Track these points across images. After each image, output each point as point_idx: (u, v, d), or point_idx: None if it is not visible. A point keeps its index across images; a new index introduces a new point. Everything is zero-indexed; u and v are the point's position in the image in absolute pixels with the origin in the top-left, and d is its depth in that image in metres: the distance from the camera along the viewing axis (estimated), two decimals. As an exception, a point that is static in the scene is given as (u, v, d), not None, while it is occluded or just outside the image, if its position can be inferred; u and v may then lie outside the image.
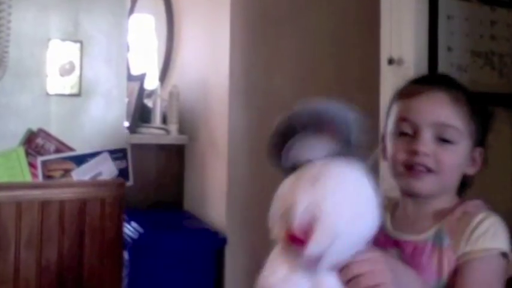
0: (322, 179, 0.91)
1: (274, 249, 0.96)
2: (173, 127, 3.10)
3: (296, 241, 0.90)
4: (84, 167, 2.42)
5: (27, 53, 2.35)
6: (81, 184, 2.39)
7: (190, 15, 3.32)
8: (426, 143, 1.11)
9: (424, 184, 1.11)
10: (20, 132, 2.33)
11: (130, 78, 2.92)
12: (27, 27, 2.35)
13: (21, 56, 2.33)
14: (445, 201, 1.15)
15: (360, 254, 0.92)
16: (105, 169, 2.46)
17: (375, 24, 2.00)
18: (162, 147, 3.11)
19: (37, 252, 2.27)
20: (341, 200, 0.90)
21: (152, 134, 3.07)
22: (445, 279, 1.07)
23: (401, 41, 1.91)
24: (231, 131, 2.78)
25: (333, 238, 0.89)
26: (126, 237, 2.55)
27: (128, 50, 2.82)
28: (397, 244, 1.13)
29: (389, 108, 1.20)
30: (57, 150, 2.38)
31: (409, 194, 1.15)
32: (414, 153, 1.11)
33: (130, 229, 2.64)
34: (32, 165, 2.33)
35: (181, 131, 3.14)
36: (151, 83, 3.36)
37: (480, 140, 1.16)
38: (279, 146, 0.96)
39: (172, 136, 3.11)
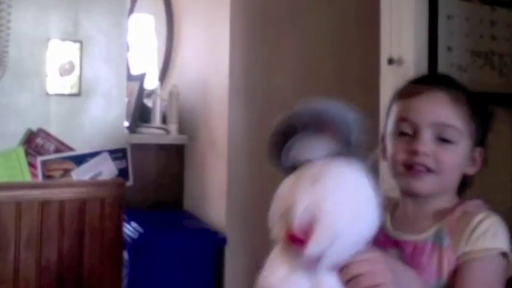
0: (322, 179, 0.91)
1: (274, 249, 0.96)
2: (173, 127, 3.10)
3: (296, 241, 0.89)
4: (84, 166, 2.41)
5: (26, 53, 2.35)
6: (81, 184, 2.39)
7: (190, 15, 3.31)
8: (426, 143, 1.11)
9: (424, 184, 1.11)
10: (20, 132, 2.33)
11: (130, 78, 2.92)
12: (27, 27, 2.35)
13: (20, 55, 2.33)
14: (445, 201, 1.15)
15: (360, 254, 0.92)
16: (105, 169, 2.45)
17: (375, 24, 2.00)
18: (161, 147, 3.11)
19: (37, 252, 2.27)
20: (341, 200, 0.90)
21: (152, 133, 3.07)
22: (445, 279, 1.07)
23: (401, 40, 1.91)
24: (230, 131, 2.78)
25: (332, 238, 0.89)
26: (125, 237, 2.55)
27: (128, 49, 2.82)
28: (397, 244, 1.13)
29: (389, 108, 1.20)
30: (57, 150, 2.38)
31: (409, 193, 1.15)
32: (414, 153, 1.11)
33: (130, 229, 2.64)
34: (31, 165, 2.33)
35: (181, 130, 3.14)
36: (151, 82, 3.35)
37: (480, 139, 1.16)
38: (279, 145, 0.96)
39: (172, 136, 3.10)
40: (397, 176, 1.14)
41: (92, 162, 2.43)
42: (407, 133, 1.13)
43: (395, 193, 1.18)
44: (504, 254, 1.07)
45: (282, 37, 2.84)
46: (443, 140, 1.11)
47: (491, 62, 2.07)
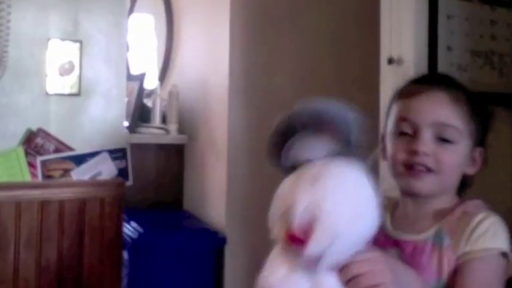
0: (322, 179, 0.91)
1: (274, 249, 0.96)
2: (173, 127, 3.09)
3: (296, 241, 0.89)
4: (84, 166, 2.41)
5: (26, 53, 2.35)
6: (80, 184, 2.39)
7: (189, 14, 3.31)
8: (426, 143, 1.10)
9: (424, 184, 1.11)
10: (20, 132, 2.33)
11: (129, 77, 2.92)
12: (27, 27, 2.35)
13: (20, 55, 2.33)
14: (445, 201, 1.15)
15: (360, 254, 0.92)
16: (105, 169, 2.45)
17: (375, 24, 2.00)
18: (161, 147, 3.11)
19: (36, 252, 2.27)
20: (341, 200, 0.90)
21: (152, 133, 3.07)
22: (445, 279, 1.07)
23: (401, 40, 1.91)
24: (230, 131, 2.78)
25: (332, 238, 0.88)
26: (125, 237, 2.54)
27: (128, 49, 2.82)
28: (396, 244, 1.13)
29: (389, 108, 1.20)
30: (57, 150, 2.38)
31: (409, 193, 1.15)
32: (414, 153, 1.11)
33: (129, 229, 2.64)
34: (31, 165, 2.33)
35: (180, 130, 3.14)
36: (151, 82, 3.35)
37: (480, 139, 1.16)
38: (278, 145, 0.96)
39: (172, 136, 3.10)
40: (397, 176, 1.14)
41: (91, 162, 2.43)
42: (407, 133, 1.13)
43: (395, 193, 1.18)
44: (504, 254, 1.07)
45: (281, 37, 2.84)
46: (443, 140, 1.11)
47: (491, 62, 2.07)
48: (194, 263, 2.67)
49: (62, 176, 2.38)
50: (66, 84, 2.42)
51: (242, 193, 2.78)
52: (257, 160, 2.65)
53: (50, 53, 2.38)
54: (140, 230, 2.63)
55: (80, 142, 2.43)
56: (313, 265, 0.90)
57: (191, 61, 3.26)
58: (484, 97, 1.39)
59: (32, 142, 2.34)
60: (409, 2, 1.90)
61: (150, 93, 3.23)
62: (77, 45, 2.43)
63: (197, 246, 2.71)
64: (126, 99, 2.72)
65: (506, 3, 2.11)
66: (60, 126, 2.40)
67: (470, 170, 1.17)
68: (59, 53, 2.40)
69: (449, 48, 1.97)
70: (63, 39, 2.41)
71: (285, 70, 2.83)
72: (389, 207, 1.18)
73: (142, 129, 3.07)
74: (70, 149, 2.40)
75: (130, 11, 3.48)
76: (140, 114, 3.11)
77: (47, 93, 2.38)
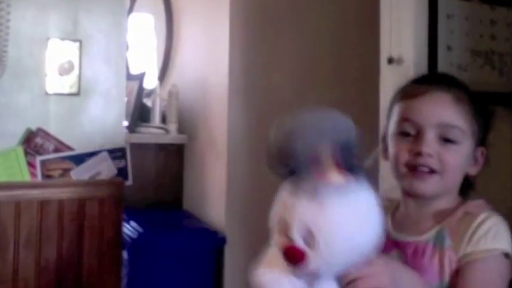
0: (323, 194, 0.89)
1: (271, 246, 0.95)
2: (172, 126, 3.09)
3: (294, 255, 0.89)
4: (83, 166, 2.41)
5: (26, 52, 2.35)
6: (80, 183, 2.39)
7: (189, 14, 3.31)
8: (430, 144, 1.10)
9: (428, 185, 1.11)
10: (19, 132, 2.33)
11: (129, 77, 2.92)
12: (26, 26, 2.34)
13: (20, 55, 2.33)
14: (447, 201, 1.14)
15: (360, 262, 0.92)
16: (104, 168, 2.45)
17: (375, 23, 2.00)
18: (161, 147, 3.10)
19: (36, 252, 2.27)
20: (341, 217, 0.89)
21: (151, 133, 3.07)
22: (447, 281, 1.06)
23: (401, 40, 1.91)
24: (230, 130, 2.78)
25: (331, 255, 0.88)
26: (125, 236, 2.54)
27: (127, 49, 2.81)
28: (397, 245, 1.12)
29: (391, 108, 1.19)
30: (56, 150, 2.37)
31: (411, 194, 1.14)
32: (417, 154, 1.10)
33: (129, 228, 2.64)
34: (31, 165, 2.32)
35: (180, 130, 3.13)
36: (151, 82, 3.35)
37: (481, 139, 1.16)
38: (277, 157, 0.94)
39: (172, 135, 3.10)
40: (400, 176, 1.13)
41: (91, 161, 2.42)
42: (410, 133, 1.12)
43: (396, 193, 1.18)
44: (506, 255, 1.06)
45: (281, 36, 2.83)
46: (446, 141, 1.11)
47: (491, 62, 2.07)
48: (194, 263, 2.67)
49: (62, 175, 2.38)
50: (66, 84, 2.42)
51: (242, 193, 2.78)
52: (257, 160, 2.65)
53: (50, 52, 2.38)
54: (140, 229, 2.63)
55: (80, 142, 2.42)
56: (311, 276, 0.90)
57: (191, 61, 3.26)
58: (484, 97, 1.39)
59: (32, 142, 2.34)
60: (409, 1, 1.90)
61: (150, 93, 3.23)
62: (77, 44, 2.43)
63: (197, 246, 2.71)
64: (125, 99, 2.71)
65: (506, 3, 2.11)
66: (60, 125, 2.40)
67: (473, 170, 1.16)
68: (59, 52, 2.40)
69: (449, 48, 1.96)
70: (62, 39, 2.41)
71: (284, 70, 2.83)
72: (391, 208, 1.18)
73: (142, 129, 3.06)
74: (69, 148, 2.40)
75: (130, 10, 3.48)
76: (140, 114, 3.11)
77: (46, 93, 2.38)
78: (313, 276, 0.90)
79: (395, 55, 1.90)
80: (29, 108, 2.35)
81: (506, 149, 2.10)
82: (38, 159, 2.33)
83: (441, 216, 1.12)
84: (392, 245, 1.12)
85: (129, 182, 2.51)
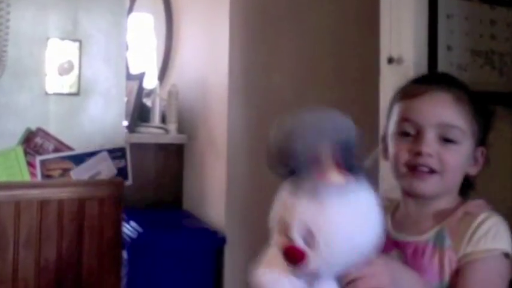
0: (323, 194, 0.89)
1: (271, 246, 0.95)
2: (172, 126, 3.09)
3: (294, 255, 0.89)
4: (83, 166, 2.41)
5: (26, 52, 2.34)
6: (79, 183, 2.39)
7: (189, 14, 3.31)
8: (430, 144, 1.10)
9: (428, 185, 1.11)
10: (19, 132, 2.33)
11: (129, 77, 2.91)
12: (26, 26, 2.34)
13: (20, 55, 2.33)
14: (447, 201, 1.14)
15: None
16: (104, 168, 2.45)
17: (375, 23, 2.00)
18: (161, 147, 3.10)
19: (36, 252, 2.27)
20: (341, 217, 0.89)
21: (151, 133, 3.07)
22: (447, 281, 1.06)
23: (401, 39, 1.90)
24: (230, 130, 2.77)
25: (331, 255, 0.88)
26: (125, 236, 2.54)
27: (127, 49, 2.81)
28: (397, 245, 1.12)
29: (391, 108, 1.19)
30: (56, 150, 2.37)
31: (411, 194, 1.14)
32: (417, 154, 1.10)
33: (129, 228, 2.64)
34: (30, 165, 2.32)
35: (180, 130, 3.13)
36: (150, 82, 3.35)
37: (481, 139, 1.16)
38: (277, 157, 0.93)
39: (172, 135, 3.10)
40: (400, 176, 1.13)
41: (91, 161, 2.42)
42: (410, 133, 1.12)
43: (396, 193, 1.18)
44: (506, 255, 1.06)
45: (281, 36, 2.83)
46: (446, 141, 1.11)
47: (491, 62, 2.07)
48: (193, 263, 2.67)
49: (61, 175, 2.38)
50: (66, 84, 2.42)
51: (242, 192, 2.78)
52: (257, 159, 2.65)
53: (49, 52, 2.38)
54: (139, 229, 2.62)
55: (79, 142, 2.42)
56: (310, 275, 0.90)
57: (191, 60, 3.25)
58: (484, 97, 1.39)
59: (31, 142, 2.34)
60: (409, 1, 1.90)
61: (150, 93, 3.23)
62: (76, 44, 2.43)
63: (196, 245, 2.71)
64: (125, 99, 2.71)
65: (506, 3, 2.11)
66: (60, 125, 2.40)
67: (473, 170, 1.16)
68: (58, 52, 2.40)
69: (449, 48, 1.96)
70: (62, 39, 2.40)
71: (284, 69, 2.82)
72: (391, 208, 1.18)
73: (142, 129, 3.06)
74: (69, 148, 2.40)
75: (130, 10, 3.48)
76: (139, 114, 3.11)
77: (46, 93, 2.38)
78: (313, 276, 0.90)
79: (395, 55, 1.90)
80: (28, 108, 2.35)
81: (506, 149, 2.10)
82: (38, 159, 2.33)
83: (441, 216, 1.12)
84: (392, 245, 1.12)
85: (129, 181, 2.51)
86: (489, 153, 1.18)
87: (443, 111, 1.11)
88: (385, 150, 1.18)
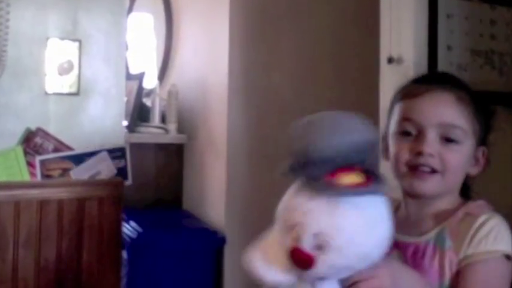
0: (339, 199, 0.88)
1: (273, 230, 0.94)
2: (172, 126, 3.09)
3: (302, 259, 0.88)
4: (83, 166, 2.41)
5: (25, 52, 2.34)
6: (79, 183, 2.39)
7: (189, 13, 3.31)
8: (431, 144, 1.09)
9: (428, 185, 1.10)
10: (19, 132, 2.33)
11: (129, 77, 2.91)
12: (26, 26, 2.34)
13: (19, 55, 2.32)
14: (448, 202, 1.14)
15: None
16: (104, 168, 2.45)
17: (375, 23, 2.00)
18: (161, 147, 3.10)
19: (35, 252, 2.26)
20: (354, 223, 0.88)
21: (151, 133, 3.07)
22: (447, 283, 1.06)
23: (400, 39, 1.90)
24: (230, 130, 2.77)
25: (341, 261, 0.88)
26: (124, 236, 2.54)
27: (127, 48, 2.81)
28: (397, 246, 1.11)
29: (391, 108, 1.19)
30: (56, 150, 2.37)
31: (412, 194, 1.14)
32: (418, 153, 1.10)
33: (129, 228, 2.64)
34: (30, 165, 2.32)
35: (180, 130, 3.13)
36: (150, 82, 3.35)
37: (482, 138, 1.16)
38: (293, 159, 0.92)
39: (171, 135, 3.10)
40: (400, 176, 1.13)
41: (90, 161, 2.42)
42: (411, 133, 1.12)
43: (396, 193, 1.17)
44: (508, 256, 1.06)
45: (281, 36, 2.83)
46: (447, 140, 1.10)
47: (491, 61, 2.07)
48: (193, 263, 2.67)
49: (61, 175, 2.37)
50: (65, 84, 2.41)
51: (241, 192, 2.78)
52: (257, 159, 2.65)
53: (49, 52, 2.38)
54: (139, 229, 2.62)
55: (79, 141, 2.42)
56: (316, 279, 0.90)
57: (190, 60, 3.25)
58: (484, 96, 1.39)
59: (31, 141, 2.34)
60: (408, 1, 1.90)
61: (150, 93, 3.23)
62: (76, 44, 2.43)
63: (196, 245, 2.71)
64: (125, 99, 2.71)
65: (506, 2, 2.11)
66: (59, 125, 2.40)
67: (474, 170, 1.16)
68: (58, 52, 2.39)
69: (449, 48, 1.96)
70: (62, 39, 2.40)
71: (284, 69, 2.82)
72: (391, 208, 1.17)
73: (142, 129, 3.06)
74: (69, 148, 2.40)
75: (130, 10, 3.48)
76: (139, 114, 3.11)
77: (46, 93, 2.38)
78: (318, 278, 0.90)
79: (395, 55, 1.90)
80: (28, 108, 2.35)
81: (507, 149, 2.09)
82: (38, 159, 2.33)
83: (442, 216, 1.12)
84: (392, 246, 1.11)
85: (128, 181, 2.51)
86: (489, 154, 1.18)
87: (444, 111, 1.11)
88: (386, 150, 1.18)
